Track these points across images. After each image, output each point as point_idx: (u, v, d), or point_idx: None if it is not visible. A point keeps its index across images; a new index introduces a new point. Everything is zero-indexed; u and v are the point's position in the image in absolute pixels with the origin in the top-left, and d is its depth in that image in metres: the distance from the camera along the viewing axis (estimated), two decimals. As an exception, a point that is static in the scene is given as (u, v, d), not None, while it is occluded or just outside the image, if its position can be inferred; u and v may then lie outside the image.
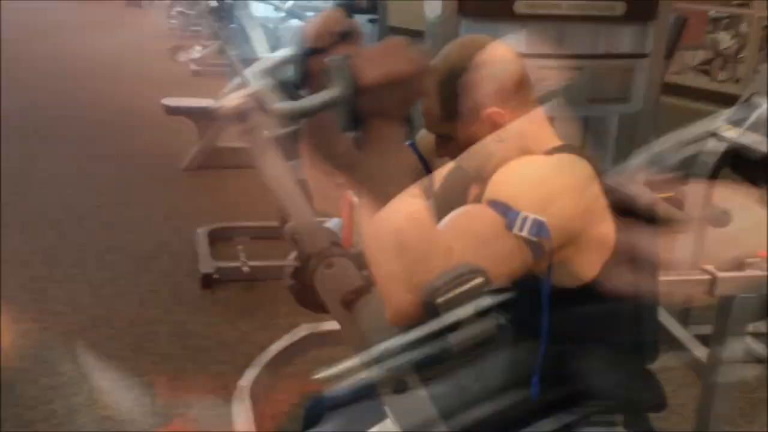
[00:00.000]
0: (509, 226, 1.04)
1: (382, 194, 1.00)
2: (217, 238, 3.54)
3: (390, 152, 1.01)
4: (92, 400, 2.31)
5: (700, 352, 1.65)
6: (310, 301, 1.30)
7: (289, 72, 1.25)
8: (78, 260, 3.27)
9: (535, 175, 1.13)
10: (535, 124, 1.24)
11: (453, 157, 1.29)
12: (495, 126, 1.21)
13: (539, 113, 1.26)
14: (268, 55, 1.25)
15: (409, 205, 1.00)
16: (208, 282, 3.06)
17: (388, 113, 1.00)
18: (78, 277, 3.11)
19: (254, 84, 1.13)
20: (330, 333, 1.93)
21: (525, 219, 1.04)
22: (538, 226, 1.04)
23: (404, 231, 0.98)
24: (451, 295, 0.99)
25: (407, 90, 1.00)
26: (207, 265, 3.15)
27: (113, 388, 2.37)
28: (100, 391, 2.35)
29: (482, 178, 1.24)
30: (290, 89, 1.19)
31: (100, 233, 3.58)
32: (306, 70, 1.22)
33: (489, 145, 1.22)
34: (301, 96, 1.11)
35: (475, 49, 1.21)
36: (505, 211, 1.06)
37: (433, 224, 1.02)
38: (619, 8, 1.77)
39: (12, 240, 3.42)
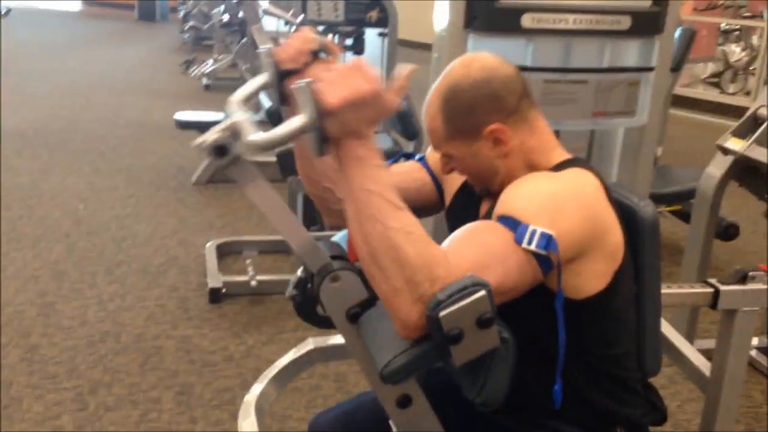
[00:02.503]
0: (518, 240, 1.05)
1: (366, 215, 1.00)
2: (225, 252, 3.55)
3: (367, 169, 1.00)
4: (98, 416, 2.31)
5: (704, 366, 1.64)
6: (311, 314, 1.30)
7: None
8: (86, 275, 3.28)
9: (543, 190, 1.13)
10: (539, 138, 1.24)
11: (460, 173, 1.30)
12: (498, 142, 1.21)
13: (542, 125, 1.26)
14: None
15: (399, 219, 1.00)
16: (215, 296, 3.07)
17: (357, 134, 0.99)
18: (86, 292, 3.12)
19: (232, 114, 1.12)
20: (336, 348, 1.93)
21: (533, 232, 1.05)
22: (547, 240, 1.04)
23: (401, 246, 0.98)
24: (453, 308, 0.99)
25: (372, 109, 0.99)
26: (215, 279, 3.15)
27: (119, 404, 2.38)
28: (106, 406, 2.35)
29: (491, 193, 1.25)
30: (273, 113, 1.19)
31: (109, 247, 3.59)
32: (283, 94, 1.23)
33: (494, 162, 1.22)
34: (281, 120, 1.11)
35: (474, 68, 1.22)
36: (513, 225, 1.06)
37: (425, 235, 1.02)
38: (625, 22, 1.77)
39: (22, 255, 3.45)
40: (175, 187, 4.52)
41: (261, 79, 1.25)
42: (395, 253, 0.98)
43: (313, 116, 0.98)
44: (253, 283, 3.13)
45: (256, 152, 1.06)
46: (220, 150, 1.10)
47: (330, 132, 0.98)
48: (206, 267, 3.31)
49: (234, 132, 1.09)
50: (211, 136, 1.10)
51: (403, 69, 1.07)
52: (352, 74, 0.98)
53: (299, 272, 1.38)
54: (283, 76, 1.23)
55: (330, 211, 1.41)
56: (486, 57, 1.24)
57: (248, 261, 3.34)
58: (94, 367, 2.57)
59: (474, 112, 1.20)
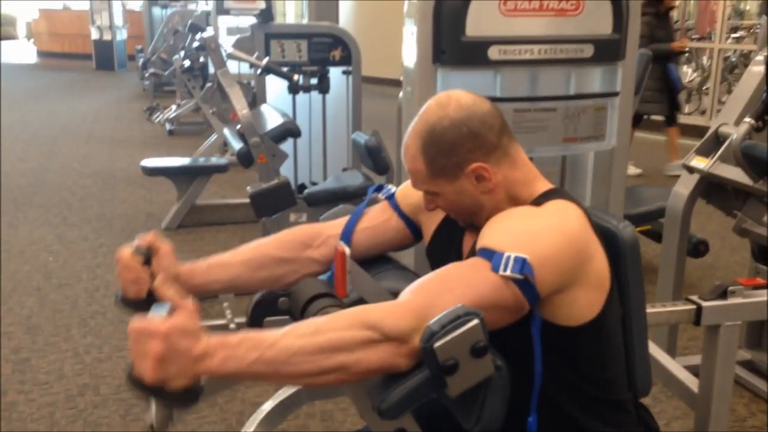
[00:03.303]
0: (495, 268, 1.06)
1: (278, 370, 0.99)
2: (201, 297, 3.50)
3: (235, 354, 0.98)
4: (82, 470, 2.25)
5: (691, 382, 1.66)
6: None
7: None
8: (60, 328, 3.22)
9: (523, 222, 1.16)
10: (521, 171, 1.26)
11: (444, 210, 1.31)
12: (481, 179, 1.23)
13: (523, 157, 1.28)
14: None
15: (296, 339, 1.00)
16: (194, 342, 3.02)
17: (188, 371, 0.96)
18: (61, 345, 3.05)
19: None
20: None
21: (508, 258, 1.06)
22: (521, 263, 1.06)
23: (322, 343, 0.99)
24: (447, 338, 1.00)
25: (175, 355, 0.95)
26: (192, 324, 3.11)
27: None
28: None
29: (475, 227, 1.27)
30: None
31: (82, 299, 3.53)
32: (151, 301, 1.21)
33: (479, 198, 1.24)
34: None
35: (451, 107, 1.23)
36: (489, 255, 1.08)
37: (333, 314, 1.07)
38: (588, 51, 1.83)
39: (-8, 311, 3.37)
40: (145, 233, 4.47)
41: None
42: (326, 353, 0.99)
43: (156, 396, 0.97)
44: (232, 326, 3.06)
45: None
46: None
47: (176, 396, 0.97)
48: (183, 313, 3.26)
49: None
50: None
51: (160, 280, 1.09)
52: (137, 346, 0.95)
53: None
54: (150, 303, 1.20)
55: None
56: (462, 95, 1.25)
57: (225, 304, 3.29)
58: (75, 421, 2.50)
59: (455, 151, 1.21)
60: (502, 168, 1.24)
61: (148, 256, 1.30)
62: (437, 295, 1.04)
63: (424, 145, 1.23)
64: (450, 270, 1.11)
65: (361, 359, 1.00)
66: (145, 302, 1.27)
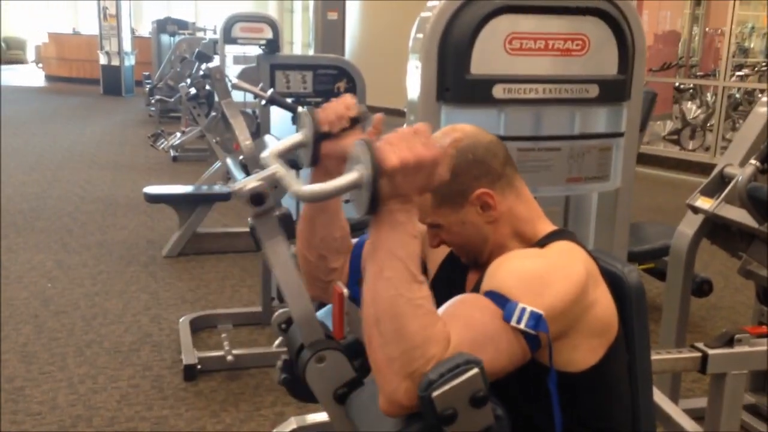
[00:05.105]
0: (507, 318, 1.04)
1: (384, 277, 1.00)
2: (199, 327, 3.48)
3: (401, 235, 1.01)
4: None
5: (694, 429, 1.62)
6: (306, 394, 1.27)
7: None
8: (56, 356, 3.18)
9: (532, 267, 1.13)
10: (526, 206, 1.25)
11: (447, 245, 1.29)
12: (486, 207, 1.22)
13: (527, 192, 1.27)
14: (280, 139, 1.29)
15: (414, 291, 1.00)
16: (190, 374, 2.99)
17: (404, 198, 1.01)
18: (56, 375, 3.02)
19: (270, 167, 1.16)
20: (318, 425, 1.88)
21: (523, 311, 1.04)
22: (536, 320, 1.04)
23: (407, 317, 0.97)
24: (446, 387, 0.97)
25: (425, 176, 1.01)
26: (189, 356, 3.08)
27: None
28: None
29: (479, 264, 1.25)
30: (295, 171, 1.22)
31: (79, 327, 3.50)
32: (318, 154, 1.26)
33: (483, 228, 1.22)
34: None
35: (459, 137, 1.23)
36: (502, 302, 1.06)
37: (435, 313, 1.02)
38: (593, 91, 1.82)
39: (-12, 337, 3.34)
40: (146, 261, 4.45)
41: (298, 137, 1.28)
42: (399, 322, 0.98)
43: (369, 173, 0.99)
44: (230, 357, 3.06)
45: (306, 201, 1.13)
46: (257, 198, 1.13)
47: (381, 191, 0.99)
48: (180, 343, 3.23)
49: (272, 183, 1.12)
50: (249, 183, 1.12)
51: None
52: (413, 138, 1.00)
53: (276, 346, 1.35)
54: (319, 138, 1.25)
55: (316, 282, 1.39)
56: (467, 126, 1.28)
57: (223, 335, 3.27)
58: (66, 455, 2.46)
59: (460, 178, 1.20)
60: (507, 198, 1.23)
61: (362, 119, 1.27)
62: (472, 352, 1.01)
63: None
64: (474, 318, 1.06)
65: (391, 361, 0.99)
66: (317, 136, 1.25)
